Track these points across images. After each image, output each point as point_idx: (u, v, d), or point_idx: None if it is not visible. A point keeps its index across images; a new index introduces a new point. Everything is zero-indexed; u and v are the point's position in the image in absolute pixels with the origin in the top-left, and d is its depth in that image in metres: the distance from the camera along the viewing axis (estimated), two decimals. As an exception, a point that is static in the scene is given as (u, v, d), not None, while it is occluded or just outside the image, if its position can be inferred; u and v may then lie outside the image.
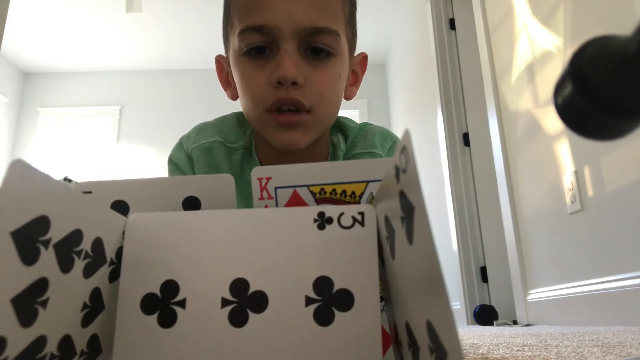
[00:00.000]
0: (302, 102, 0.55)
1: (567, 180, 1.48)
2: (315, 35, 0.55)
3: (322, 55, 0.56)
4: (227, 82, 0.67)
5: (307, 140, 0.57)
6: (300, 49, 0.55)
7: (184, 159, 0.64)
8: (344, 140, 0.67)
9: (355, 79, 0.68)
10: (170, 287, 0.28)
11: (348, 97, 0.66)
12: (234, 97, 0.65)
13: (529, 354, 0.63)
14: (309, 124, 0.57)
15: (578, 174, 1.43)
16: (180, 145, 0.66)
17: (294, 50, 0.55)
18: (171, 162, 0.66)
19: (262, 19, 0.54)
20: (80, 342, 0.26)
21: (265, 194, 0.34)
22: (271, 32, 0.54)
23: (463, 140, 2.53)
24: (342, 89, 0.61)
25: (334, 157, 0.66)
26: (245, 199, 0.61)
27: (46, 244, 0.22)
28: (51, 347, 0.23)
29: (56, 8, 3.54)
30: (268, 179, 0.34)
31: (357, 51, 0.69)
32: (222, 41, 0.66)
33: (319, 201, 0.34)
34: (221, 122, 0.68)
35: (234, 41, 0.58)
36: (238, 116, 0.69)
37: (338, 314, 0.27)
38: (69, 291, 0.24)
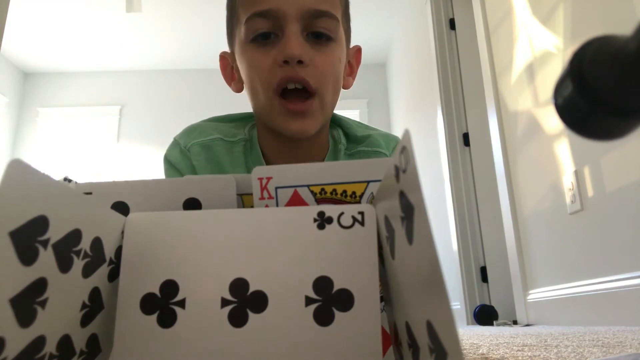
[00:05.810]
0: (308, 81, 0.57)
1: (567, 180, 1.48)
2: (318, 18, 0.58)
3: (323, 39, 0.59)
4: (231, 76, 0.69)
5: (315, 127, 0.60)
6: (304, 33, 0.58)
7: (179, 155, 0.65)
8: (343, 134, 0.69)
9: (351, 70, 0.71)
10: (170, 287, 0.28)
11: (346, 87, 0.69)
12: (239, 89, 0.67)
13: (529, 354, 0.63)
14: (316, 111, 0.59)
15: (578, 174, 1.43)
16: (175, 144, 0.66)
17: (298, 32, 0.58)
18: (166, 160, 0.66)
19: (267, 4, 0.57)
20: (80, 342, 0.26)
21: (265, 194, 0.34)
22: (276, 16, 0.57)
23: (463, 140, 2.53)
24: (341, 74, 0.64)
25: (335, 151, 0.67)
26: None
27: (45, 243, 0.22)
28: (50, 347, 0.23)
29: (56, 8, 3.54)
30: (269, 178, 0.34)
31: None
32: (224, 39, 0.69)
33: (319, 201, 0.34)
34: (213, 121, 0.70)
35: (240, 32, 0.61)
36: (232, 115, 0.71)
37: (338, 314, 0.27)
38: (68, 291, 0.24)
